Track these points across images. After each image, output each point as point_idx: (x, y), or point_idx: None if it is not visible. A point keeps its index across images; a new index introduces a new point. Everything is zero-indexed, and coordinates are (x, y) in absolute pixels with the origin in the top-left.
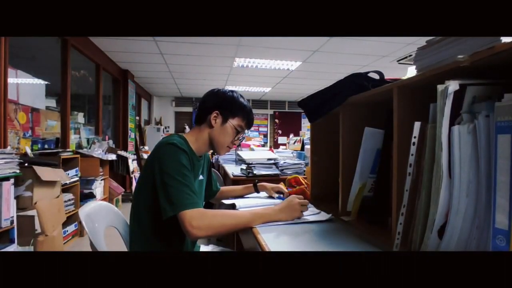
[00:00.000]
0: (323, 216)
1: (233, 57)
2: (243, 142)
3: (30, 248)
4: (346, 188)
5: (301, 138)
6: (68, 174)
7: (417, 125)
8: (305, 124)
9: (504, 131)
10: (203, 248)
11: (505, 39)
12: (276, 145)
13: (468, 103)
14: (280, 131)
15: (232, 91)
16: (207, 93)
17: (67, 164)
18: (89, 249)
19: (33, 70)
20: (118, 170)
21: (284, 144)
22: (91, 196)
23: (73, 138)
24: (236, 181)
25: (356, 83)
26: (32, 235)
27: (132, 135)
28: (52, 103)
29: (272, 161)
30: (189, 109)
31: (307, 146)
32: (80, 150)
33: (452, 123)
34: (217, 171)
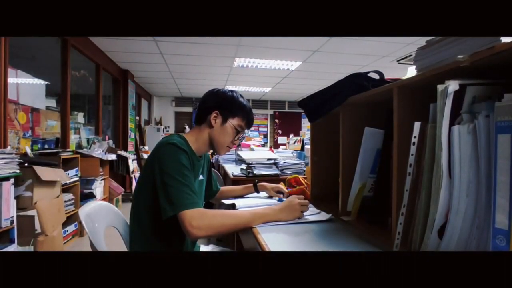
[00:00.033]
0: (323, 216)
1: (233, 57)
2: (243, 142)
3: (30, 248)
4: (346, 188)
5: (301, 138)
6: (68, 174)
7: (417, 125)
8: (305, 124)
9: (504, 131)
10: (203, 248)
11: (505, 39)
12: (276, 145)
13: (468, 103)
14: (280, 131)
15: (231, 91)
16: (206, 93)
17: (67, 164)
18: (89, 249)
19: (33, 70)
20: (118, 170)
21: (284, 144)
22: (91, 196)
23: (73, 138)
24: (236, 181)
25: (356, 83)
26: (32, 235)
27: (132, 135)
28: (52, 103)
29: (272, 161)
30: (189, 109)
31: (307, 146)
32: (80, 150)
33: (452, 123)
34: (217, 171)
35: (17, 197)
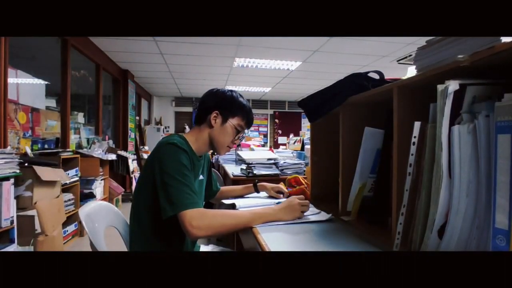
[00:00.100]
0: (323, 216)
1: (233, 57)
2: (243, 142)
3: (30, 248)
4: (346, 188)
5: (301, 138)
6: (68, 174)
7: (417, 125)
8: (305, 124)
9: (504, 131)
10: (203, 248)
11: (505, 39)
12: (276, 145)
13: (468, 103)
14: (280, 131)
15: (231, 91)
16: (206, 93)
17: (67, 164)
18: (89, 249)
19: (33, 70)
20: (118, 170)
21: (284, 144)
22: (91, 196)
23: (73, 138)
24: (236, 181)
25: (356, 83)
26: (32, 235)
27: (132, 135)
28: (52, 103)
29: (272, 161)
30: (189, 109)
31: (307, 146)
32: (80, 150)
33: (452, 123)
34: (217, 171)
35: (17, 197)
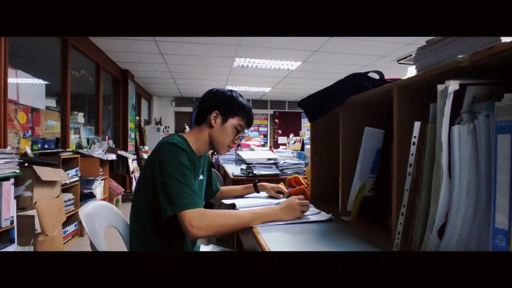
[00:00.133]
0: (323, 216)
1: (233, 57)
2: (243, 142)
3: (30, 248)
4: (346, 188)
5: (301, 138)
6: (68, 174)
7: (417, 125)
8: (305, 124)
9: (504, 131)
10: (203, 248)
11: (505, 39)
12: (276, 145)
13: (468, 103)
14: (280, 131)
15: (231, 91)
16: (206, 93)
17: (67, 164)
18: (89, 249)
19: (33, 70)
20: (118, 170)
21: (284, 144)
22: (91, 196)
23: (73, 138)
24: (236, 181)
25: (356, 83)
26: (32, 235)
27: (132, 135)
28: (52, 103)
29: (272, 161)
30: (189, 109)
31: (307, 146)
32: (80, 150)
33: (452, 123)
34: (217, 171)
35: (17, 197)
